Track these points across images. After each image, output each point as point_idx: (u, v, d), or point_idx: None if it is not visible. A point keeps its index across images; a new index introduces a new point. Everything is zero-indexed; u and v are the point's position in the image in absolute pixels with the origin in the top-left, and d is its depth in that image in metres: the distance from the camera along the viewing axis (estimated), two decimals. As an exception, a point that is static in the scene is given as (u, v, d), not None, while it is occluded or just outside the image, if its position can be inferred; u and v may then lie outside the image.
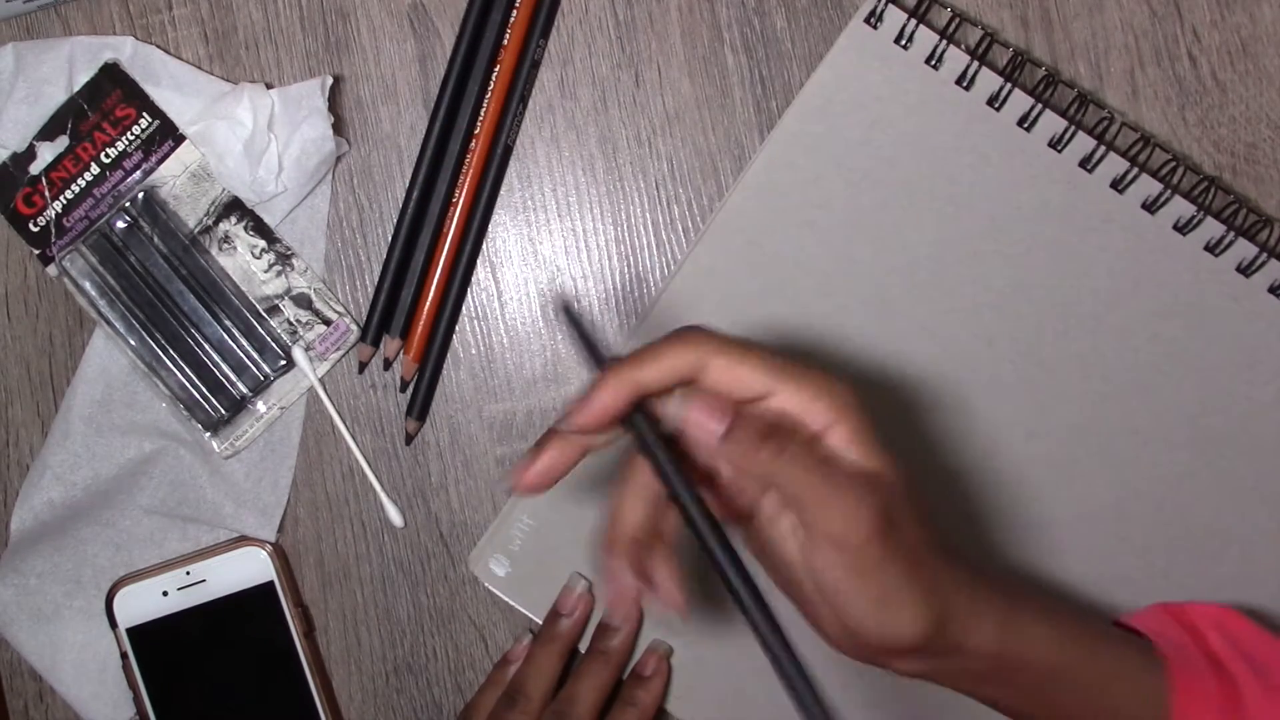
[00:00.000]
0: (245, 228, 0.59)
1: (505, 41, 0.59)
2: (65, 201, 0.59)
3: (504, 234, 0.60)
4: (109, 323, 0.59)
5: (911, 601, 0.41)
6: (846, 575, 0.40)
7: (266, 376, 0.60)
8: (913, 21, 0.55)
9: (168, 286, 0.60)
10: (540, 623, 0.58)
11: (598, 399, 0.41)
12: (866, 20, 0.56)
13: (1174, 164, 0.55)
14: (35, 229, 0.59)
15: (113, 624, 0.59)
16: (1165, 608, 0.52)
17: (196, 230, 0.59)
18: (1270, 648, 0.49)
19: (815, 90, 0.57)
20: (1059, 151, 0.55)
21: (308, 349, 0.60)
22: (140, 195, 0.59)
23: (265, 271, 0.60)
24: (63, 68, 0.58)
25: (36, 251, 0.59)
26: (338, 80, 0.60)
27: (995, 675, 0.45)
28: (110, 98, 0.59)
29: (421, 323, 0.60)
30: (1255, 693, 0.47)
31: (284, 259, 0.60)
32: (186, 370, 0.60)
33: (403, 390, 0.61)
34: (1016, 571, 0.56)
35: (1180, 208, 0.55)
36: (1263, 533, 0.55)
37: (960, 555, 0.44)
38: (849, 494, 0.40)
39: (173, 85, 0.59)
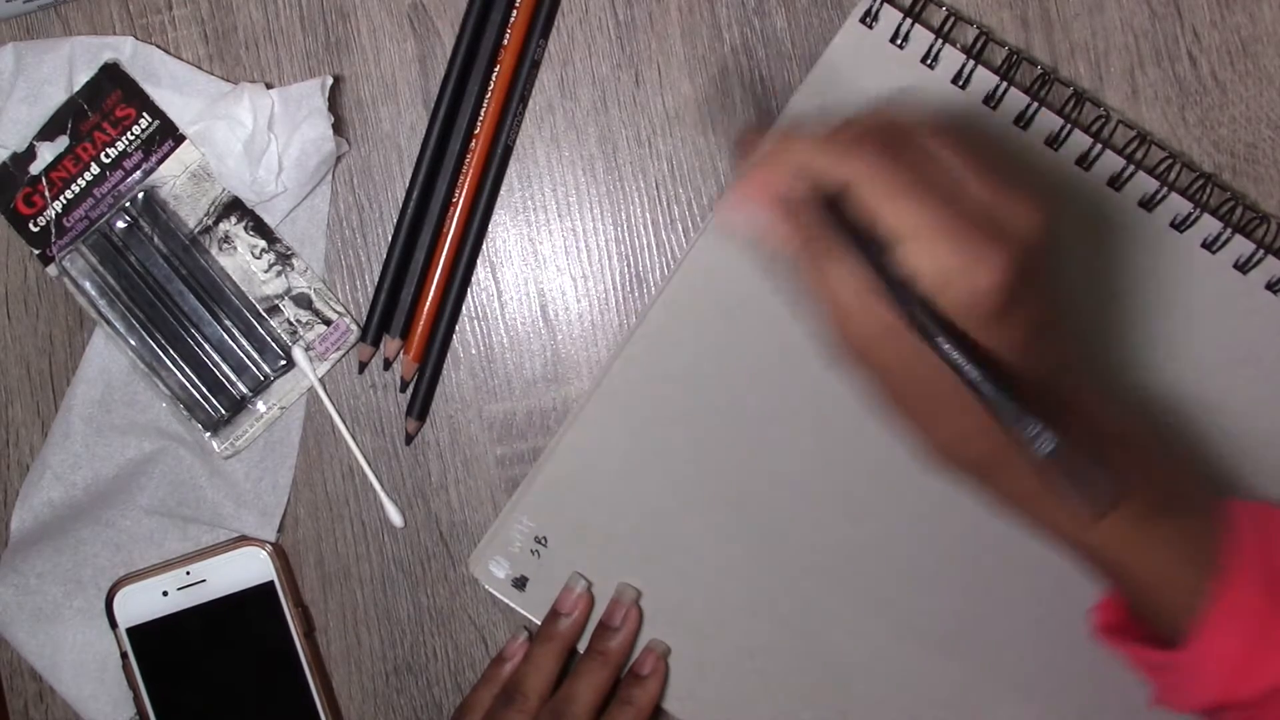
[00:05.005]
0: (245, 228, 0.60)
1: (505, 41, 0.59)
2: (65, 201, 0.59)
3: (504, 234, 0.61)
4: (109, 323, 0.59)
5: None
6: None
7: (266, 376, 0.60)
8: (908, 21, 0.56)
9: (168, 286, 0.60)
10: (540, 624, 0.58)
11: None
12: (862, 20, 0.56)
13: (1171, 161, 0.55)
14: (35, 229, 0.59)
15: (113, 624, 0.59)
16: None
17: (196, 230, 0.59)
18: None
19: (811, 90, 0.57)
20: (1055, 150, 0.55)
21: (308, 349, 0.60)
22: (140, 195, 0.59)
23: (265, 271, 0.60)
24: (63, 68, 0.58)
25: (36, 251, 0.59)
26: (338, 80, 0.60)
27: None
28: (110, 98, 0.59)
29: (421, 323, 0.60)
30: None
31: (284, 259, 0.60)
32: (186, 370, 0.60)
33: (403, 390, 0.61)
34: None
35: (1177, 205, 0.55)
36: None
37: None
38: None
39: (173, 85, 0.59)
